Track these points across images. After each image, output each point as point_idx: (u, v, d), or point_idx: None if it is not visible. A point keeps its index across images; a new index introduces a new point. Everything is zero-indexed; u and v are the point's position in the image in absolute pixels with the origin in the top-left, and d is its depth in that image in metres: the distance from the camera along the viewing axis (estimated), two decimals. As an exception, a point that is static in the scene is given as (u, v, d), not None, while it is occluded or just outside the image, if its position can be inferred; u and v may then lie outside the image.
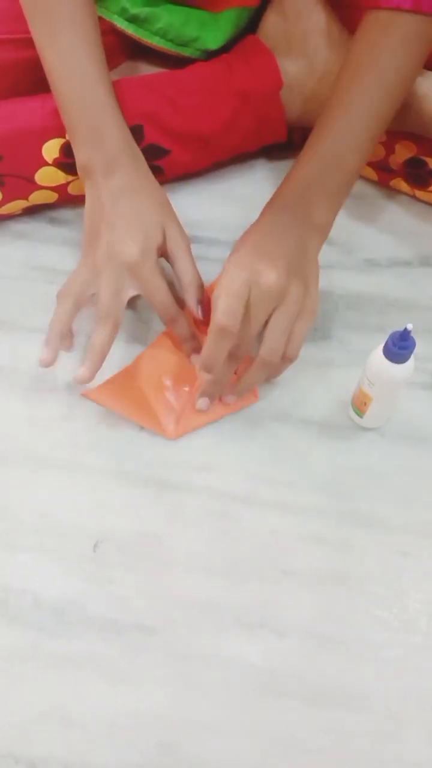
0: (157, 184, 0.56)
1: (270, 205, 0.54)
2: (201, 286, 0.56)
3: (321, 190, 0.53)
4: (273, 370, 0.53)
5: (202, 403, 0.54)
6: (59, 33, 0.54)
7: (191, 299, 0.55)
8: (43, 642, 0.48)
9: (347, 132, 0.53)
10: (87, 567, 0.50)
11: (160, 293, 0.53)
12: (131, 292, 0.54)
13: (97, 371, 0.53)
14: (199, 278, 0.56)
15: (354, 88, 0.53)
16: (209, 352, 0.50)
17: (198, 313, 0.56)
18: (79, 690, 0.47)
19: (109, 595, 0.49)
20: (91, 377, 0.53)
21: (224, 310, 0.48)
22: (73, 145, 0.55)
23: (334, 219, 0.54)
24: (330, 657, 0.48)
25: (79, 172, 0.56)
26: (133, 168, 0.55)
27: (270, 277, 0.48)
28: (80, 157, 0.55)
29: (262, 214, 0.54)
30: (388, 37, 0.53)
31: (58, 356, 0.54)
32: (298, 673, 0.47)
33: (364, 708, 0.46)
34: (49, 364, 0.53)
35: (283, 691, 0.47)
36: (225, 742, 0.45)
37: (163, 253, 0.55)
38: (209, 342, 0.50)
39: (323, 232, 0.54)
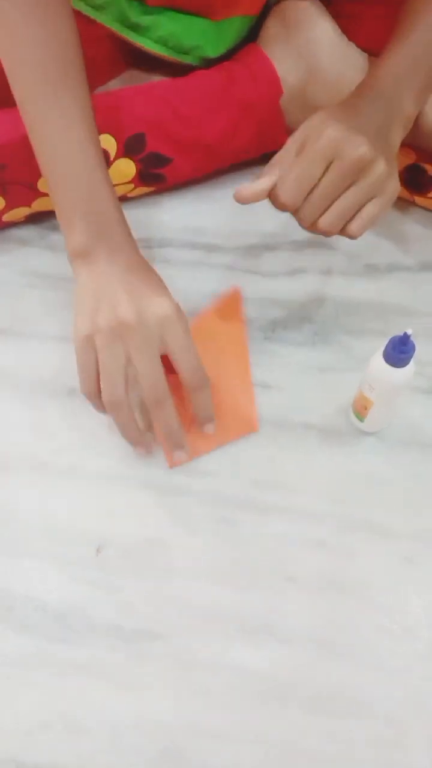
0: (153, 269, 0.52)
1: (357, 93, 0.52)
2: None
3: (411, 81, 0.51)
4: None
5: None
6: (53, 105, 0.48)
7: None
8: (48, 648, 0.48)
9: None
10: (91, 573, 0.50)
11: (193, 355, 0.48)
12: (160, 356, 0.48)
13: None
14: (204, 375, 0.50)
15: None
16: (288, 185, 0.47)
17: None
18: (83, 696, 0.47)
19: (114, 601, 0.49)
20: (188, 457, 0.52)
21: (290, 185, 0.45)
22: (64, 229, 0.50)
23: (418, 112, 0.53)
24: (333, 664, 0.48)
25: (70, 256, 0.51)
26: (134, 254, 0.51)
27: (359, 149, 0.45)
28: (76, 243, 0.50)
29: (350, 96, 0.52)
30: None
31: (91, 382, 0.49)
32: (301, 680, 0.47)
33: (366, 715, 0.46)
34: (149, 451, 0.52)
35: (286, 698, 0.47)
36: (229, 749, 0.45)
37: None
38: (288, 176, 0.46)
39: (408, 123, 0.52)
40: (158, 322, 0.47)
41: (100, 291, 0.48)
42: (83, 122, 0.49)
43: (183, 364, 0.48)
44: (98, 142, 0.50)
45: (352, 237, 0.48)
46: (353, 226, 0.47)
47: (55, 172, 0.50)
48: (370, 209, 0.47)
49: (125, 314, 0.47)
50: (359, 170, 0.46)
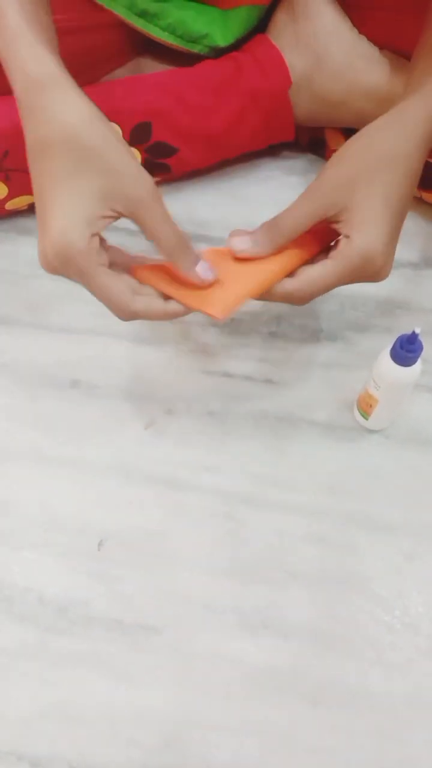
0: (98, 113, 0.41)
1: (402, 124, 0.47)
2: (186, 245, 0.44)
3: None
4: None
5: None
6: None
7: (184, 264, 0.43)
8: (47, 640, 0.48)
9: None
10: (91, 565, 0.50)
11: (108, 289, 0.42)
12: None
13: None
14: (180, 236, 0.43)
15: None
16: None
17: (204, 274, 0.44)
18: (82, 688, 0.47)
19: (114, 593, 0.49)
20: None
21: (308, 293, 0.45)
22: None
23: None
24: (333, 658, 0.48)
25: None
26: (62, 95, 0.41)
27: (378, 278, 0.47)
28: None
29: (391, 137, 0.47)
30: None
31: None
32: (300, 674, 0.47)
33: (366, 709, 0.47)
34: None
35: (285, 692, 0.47)
36: (228, 742, 0.46)
37: (122, 215, 0.42)
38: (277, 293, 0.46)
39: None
40: (63, 262, 0.40)
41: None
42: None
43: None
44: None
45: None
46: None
47: None
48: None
49: (41, 259, 0.42)
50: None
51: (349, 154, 0.47)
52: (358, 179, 0.45)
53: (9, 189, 0.59)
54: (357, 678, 0.47)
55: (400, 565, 0.51)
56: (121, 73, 0.63)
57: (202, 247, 0.64)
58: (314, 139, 0.68)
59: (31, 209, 0.64)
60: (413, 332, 0.45)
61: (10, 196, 0.60)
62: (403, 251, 0.63)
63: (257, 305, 0.60)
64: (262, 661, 0.48)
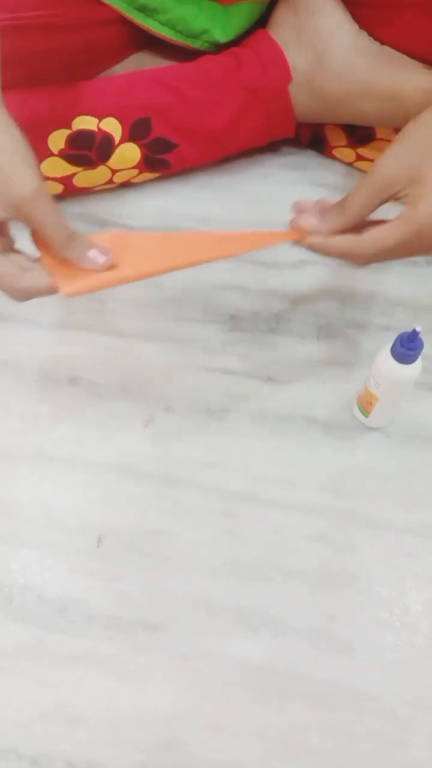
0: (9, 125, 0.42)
1: None
2: (74, 236, 0.43)
3: None
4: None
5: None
6: None
7: (76, 255, 0.43)
8: (47, 639, 0.48)
9: None
10: (91, 564, 0.50)
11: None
12: None
13: None
14: (67, 229, 0.43)
15: None
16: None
17: (98, 260, 0.43)
18: (82, 687, 0.47)
19: (113, 591, 0.49)
20: None
21: (367, 252, 0.45)
22: None
23: None
24: (333, 658, 0.48)
25: None
26: None
27: None
28: None
29: None
30: None
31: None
32: (300, 674, 0.47)
33: (367, 709, 0.46)
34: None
35: (285, 691, 0.47)
36: (228, 742, 0.46)
37: (8, 218, 0.42)
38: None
39: None
40: None
41: None
42: None
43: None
44: None
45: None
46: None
47: None
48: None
49: None
50: None
51: (415, 130, 0.46)
52: (424, 153, 0.45)
53: None
54: (357, 677, 0.47)
55: (400, 564, 0.51)
56: (121, 68, 0.63)
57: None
58: (315, 136, 0.68)
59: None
60: (414, 330, 0.45)
61: None
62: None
63: (257, 302, 0.60)
64: (261, 661, 0.48)
